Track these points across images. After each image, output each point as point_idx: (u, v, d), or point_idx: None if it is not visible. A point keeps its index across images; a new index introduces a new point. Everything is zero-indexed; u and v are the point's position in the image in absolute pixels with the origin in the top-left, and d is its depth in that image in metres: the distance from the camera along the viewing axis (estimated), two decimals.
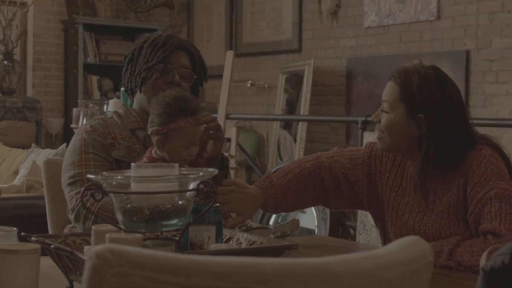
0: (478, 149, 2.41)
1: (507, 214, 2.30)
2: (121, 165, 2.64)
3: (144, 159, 2.47)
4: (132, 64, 2.80)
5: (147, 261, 1.08)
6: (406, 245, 1.25)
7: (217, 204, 2.11)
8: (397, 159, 2.61)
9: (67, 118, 8.15)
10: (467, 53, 5.86)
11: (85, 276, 1.09)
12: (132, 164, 1.98)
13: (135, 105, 2.82)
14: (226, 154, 2.80)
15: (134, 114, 2.79)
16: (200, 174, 1.95)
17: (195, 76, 2.79)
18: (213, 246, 2.07)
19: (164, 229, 1.95)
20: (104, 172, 2.10)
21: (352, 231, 5.70)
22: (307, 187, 2.68)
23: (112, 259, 1.07)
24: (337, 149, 2.75)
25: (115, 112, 2.83)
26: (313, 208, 5.85)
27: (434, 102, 2.41)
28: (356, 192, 2.67)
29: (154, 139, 2.44)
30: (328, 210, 5.65)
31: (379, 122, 2.50)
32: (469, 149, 2.42)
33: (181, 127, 2.39)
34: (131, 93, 2.83)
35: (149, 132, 2.47)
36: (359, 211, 5.43)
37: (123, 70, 2.84)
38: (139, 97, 2.80)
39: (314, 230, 5.70)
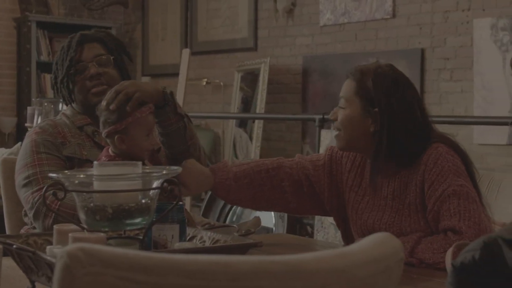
0: (434, 147, 2.42)
1: (465, 211, 2.31)
2: (73, 162, 2.67)
3: (103, 158, 2.46)
4: (56, 81, 2.81)
5: (120, 260, 1.07)
6: (378, 242, 1.25)
7: (181, 203, 2.09)
8: (357, 160, 2.61)
9: (20, 117, 8.05)
10: (422, 51, 5.90)
11: (56, 276, 1.07)
12: (95, 162, 1.97)
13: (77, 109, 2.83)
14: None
15: (81, 112, 2.80)
16: (164, 172, 1.93)
17: (112, 57, 2.80)
18: (177, 245, 2.06)
19: (128, 228, 1.93)
20: (66, 171, 2.08)
21: (309, 229, 5.71)
22: (263, 182, 2.65)
23: (84, 259, 1.06)
24: (299, 155, 2.74)
25: (63, 113, 2.85)
26: None
27: (388, 97, 2.43)
28: (317, 193, 2.65)
29: (112, 139, 2.42)
30: None
31: (337, 119, 2.51)
32: (425, 147, 2.43)
33: (138, 118, 2.41)
34: (70, 103, 2.83)
35: (104, 135, 2.45)
36: None
37: (54, 90, 2.84)
38: (76, 106, 2.82)
39: (272, 229, 5.70)
